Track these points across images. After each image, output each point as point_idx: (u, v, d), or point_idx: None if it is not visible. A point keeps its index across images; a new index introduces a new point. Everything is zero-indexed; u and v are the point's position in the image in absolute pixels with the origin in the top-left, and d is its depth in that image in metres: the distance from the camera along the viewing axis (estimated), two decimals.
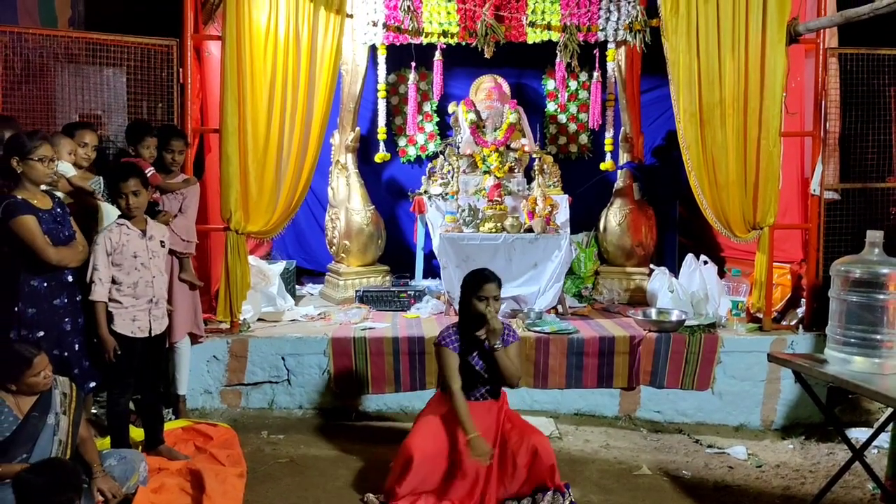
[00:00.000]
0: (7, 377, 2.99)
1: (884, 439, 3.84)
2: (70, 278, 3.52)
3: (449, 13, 5.84)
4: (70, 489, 2.87)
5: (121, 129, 4.71)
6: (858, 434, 4.41)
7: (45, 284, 3.43)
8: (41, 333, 3.39)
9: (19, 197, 3.34)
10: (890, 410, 3.45)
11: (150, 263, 3.65)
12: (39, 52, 4.56)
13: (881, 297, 3.05)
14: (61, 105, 4.73)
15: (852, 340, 3.12)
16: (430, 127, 6.99)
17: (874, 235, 3.11)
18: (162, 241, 3.79)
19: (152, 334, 3.69)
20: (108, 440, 3.75)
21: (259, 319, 5.27)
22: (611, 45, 6.13)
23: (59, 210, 3.50)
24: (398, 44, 6.00)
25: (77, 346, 3.54)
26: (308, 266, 7.06)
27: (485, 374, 3.59)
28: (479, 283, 3.57)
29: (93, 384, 3.65)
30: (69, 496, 2.85)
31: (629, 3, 5.79)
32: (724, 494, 3.84)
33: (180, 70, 4.84)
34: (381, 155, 6.48)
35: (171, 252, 4.25)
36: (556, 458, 3.54)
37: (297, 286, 6.41)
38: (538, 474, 3.49)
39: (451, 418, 3.54)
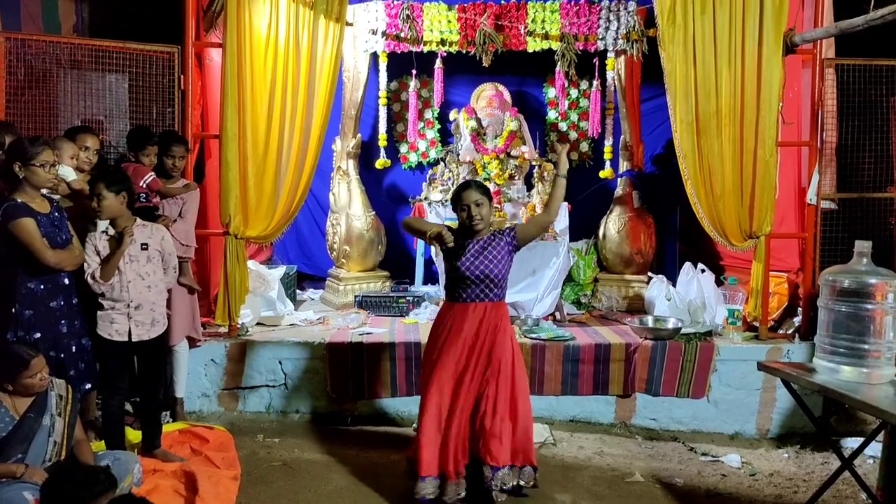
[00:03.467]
0: (4, 377, 3.04)
1: (878, 449, 3.84)
2: (66, 281, 3.56)
3: (449, 21, 5.90)
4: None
5: (122, 135, 4.78)
6: (854, 444, 4.39)
7: (42, 287, 3.47)
8: (38, 335, 3.43)
9: (19, 200, 3.39)
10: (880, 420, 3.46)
11: (126, 268, 3.63)
12: (42, 57, 4.63)
13: (868, 306, 3.06)
14: (64, 110, 4.80)
15: (840, 350, 3.13)
16: (431, 134, 7.03)
17: (862, 245, 3.13)
18: (144, 245, 3.70)
19: (132, 339, 3.65)
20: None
21: (258, 324, 5.31)
22: (610, 55, 6.17)
23: (56, 214, 3.55)
24: (399, 52, 6.06)
25: (73, 348, 3.57)
26: (309, 271, 7.10)
27: (472, 277, 3.57)
28: (458, 194, 3.64)
29: (88, 386, 3.68)
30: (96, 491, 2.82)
31: (628, 12, 5.84)
32: (715, 502, 3.85)
33: (182, 76, 4.91)
34: (381, 161, 6.53)
35: None
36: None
37: (297, 291, 6.46)
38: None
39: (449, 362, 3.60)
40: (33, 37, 4.77)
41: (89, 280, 3.54)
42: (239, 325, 5.00)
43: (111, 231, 3.62)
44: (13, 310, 3.42)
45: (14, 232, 3.34)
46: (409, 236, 6.85)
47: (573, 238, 6.18)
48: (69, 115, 4.80)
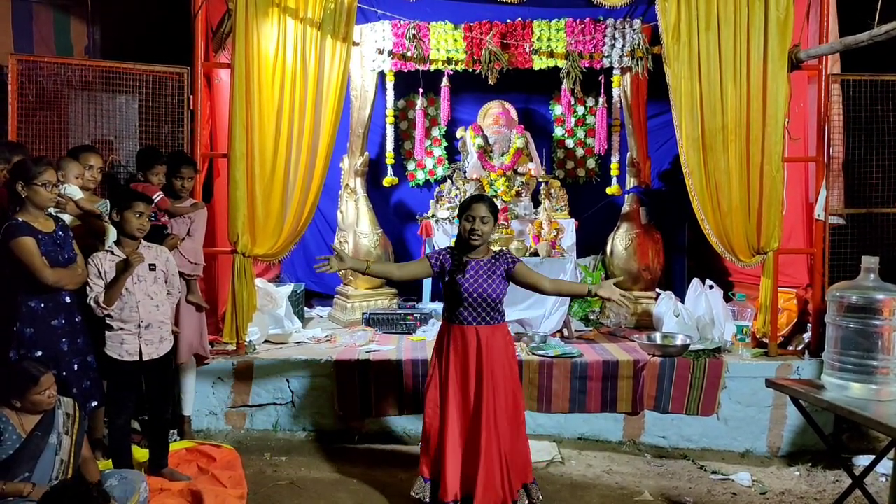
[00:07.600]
0: (12, 394, 3.05)
1: (890, 466, 3.79)
2: (68, 300, 3.56)
3: (456, 40, 5.94)
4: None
5: (132, 154, 4.82)
6: (866, 461, 4.32)
7: (43, 305, 3.48)
8: (39, 353, 3.43)
9: (20, 219, 3.42)
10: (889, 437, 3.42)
11: (135, 288, 3.65)
12: (54, 79, 4.68)
13: (877, 322, 3.04)
14: (75, 131, 4.85)
15: (849, 366, 3.11)
16: (438, 151, 7.07)
17: (869, 261, 3.11)
18: (151, 265, 3.74)
19: (143, 358, 3.66)
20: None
21: (266, 341, 5.32)
22: (616, 72, 6.20)
23: (60, 233, 3.56)
24: (406, 70, 6.11)
25: (75, 366, 3.56)
26: (317, 289, 7.12)
27: (469, 298, 3.54)
28: (468, 203, 3.60)
29: (94, 404, 3.68)
30: None
31: (633, 30, 5.87)
32: None
33: (191, 97, 4.97)
34: (389, 179, 6.57)
35: (179, 274, 4.32)
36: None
37: (305, 308, 6.47)
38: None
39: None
40: (45, 59, 4.84)
41: (92, 304, 3.56)
42: (246, 343, 5.01)
43: (116, 250, 3.64)
44: (14, 328, 3.44)
45: (13, 250, 3.36)
46: (416, 253, 6.88)
47: (580, 254, 6.18)
48: (80, 136, 4.84)
